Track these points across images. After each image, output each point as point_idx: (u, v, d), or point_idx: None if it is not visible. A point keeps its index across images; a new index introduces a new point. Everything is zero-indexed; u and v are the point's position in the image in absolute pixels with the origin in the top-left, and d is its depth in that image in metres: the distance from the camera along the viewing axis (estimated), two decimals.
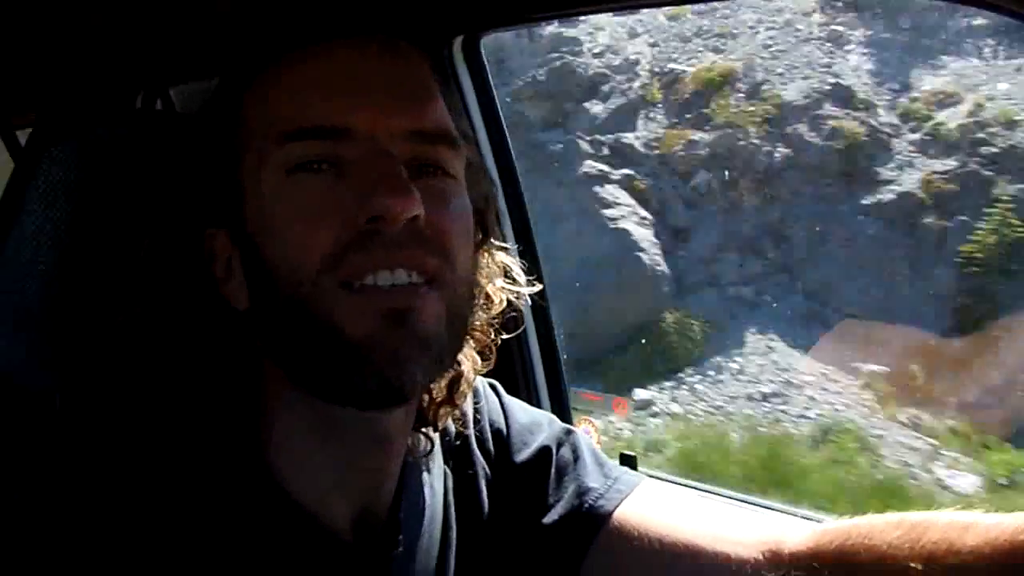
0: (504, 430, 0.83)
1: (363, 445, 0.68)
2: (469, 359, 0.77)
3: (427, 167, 0.66)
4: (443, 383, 0.75)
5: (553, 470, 0.81)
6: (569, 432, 0.85)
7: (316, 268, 0.61)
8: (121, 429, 0.64)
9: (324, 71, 0.65)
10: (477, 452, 0.82)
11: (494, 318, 0.78)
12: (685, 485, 1.43)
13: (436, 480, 0.78)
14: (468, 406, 0.83)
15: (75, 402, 0.70)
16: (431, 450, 0.77)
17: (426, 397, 0.74)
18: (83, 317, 0.69)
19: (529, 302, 0.85)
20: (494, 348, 0.79)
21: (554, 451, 0.82)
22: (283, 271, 0.62)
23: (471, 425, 0.82)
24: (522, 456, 0.82)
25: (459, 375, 0.75)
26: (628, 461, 1.13)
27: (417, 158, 0.65)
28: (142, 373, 0.66)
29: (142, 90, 1.28)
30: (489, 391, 0.87)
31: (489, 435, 0.83)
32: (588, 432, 1.29)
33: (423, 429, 0.76)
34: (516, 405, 0.87)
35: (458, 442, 0.82)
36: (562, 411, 1.26)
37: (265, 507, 0.65)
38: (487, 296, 0.77)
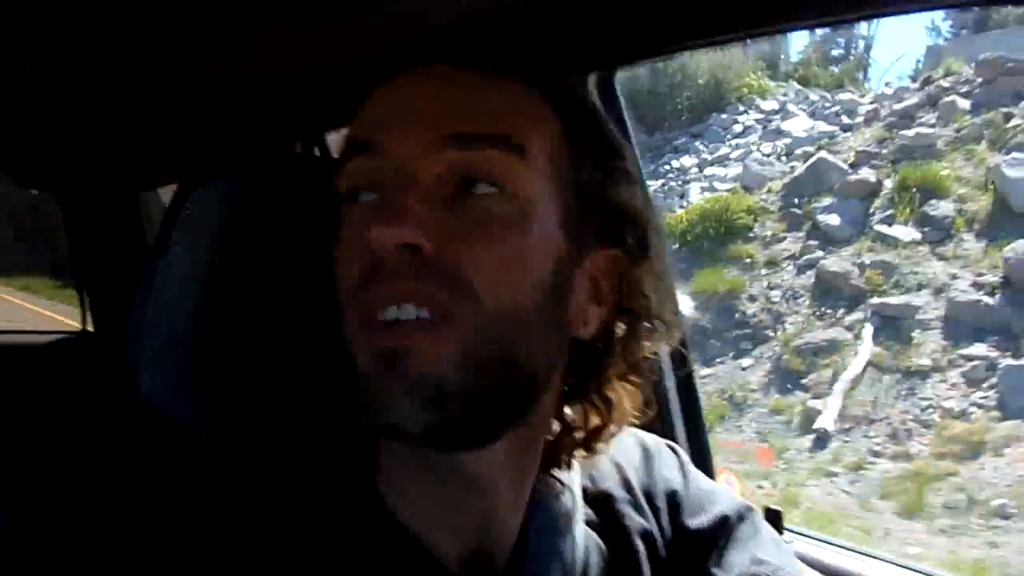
0: (679, 492, 0.76)
1: (454, 484, 0.63)
2: (620, 403, 0.69)
3: (474, 181, 0.58)
4: (580, 424, 0.68)
5: (730, 540, 0.74)
6: (749, 507, 0.78)
7: (345, 303, 0.59)
8: (260, 462, 0.65)
9: (385, 95, 0.61)
10: (641, 509, 0.74)
11: (642, 359, 0.69)
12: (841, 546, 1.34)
13: (577, 530, 0.71)
14: (627, 458, 0.76)
15: (220, 436, 0.72)
16: (560, 495, 0.71)
17: (549, 437, 0.69)
18: (228, 352, 0.71)
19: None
20: (644, 397, 0.71)
21: (734, 522, 0.75)
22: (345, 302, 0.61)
23: (631, 479, 0.75)
24: (697, 522, 0.74)
25: (603, 422, 0.68)
26: (773, 516, 1.06)
27: (458, 169, 0.58)
28: (280, 405, 0.67)
29: (299, 137, 1.34)
30: (666, 450, 0.81)
31: (661, 494, 0.75)
32: (731, 483, 1.23)
33: (553, 471, 0.70)
34: (697, 472, 0.80)
35: (614, 495, 0.74)
36: (703, 459, 1.20)
37: (377, 535, 0.62)
38: (630, 330, 0.68)
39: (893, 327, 6.78)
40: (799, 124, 11.31)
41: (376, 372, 0.56)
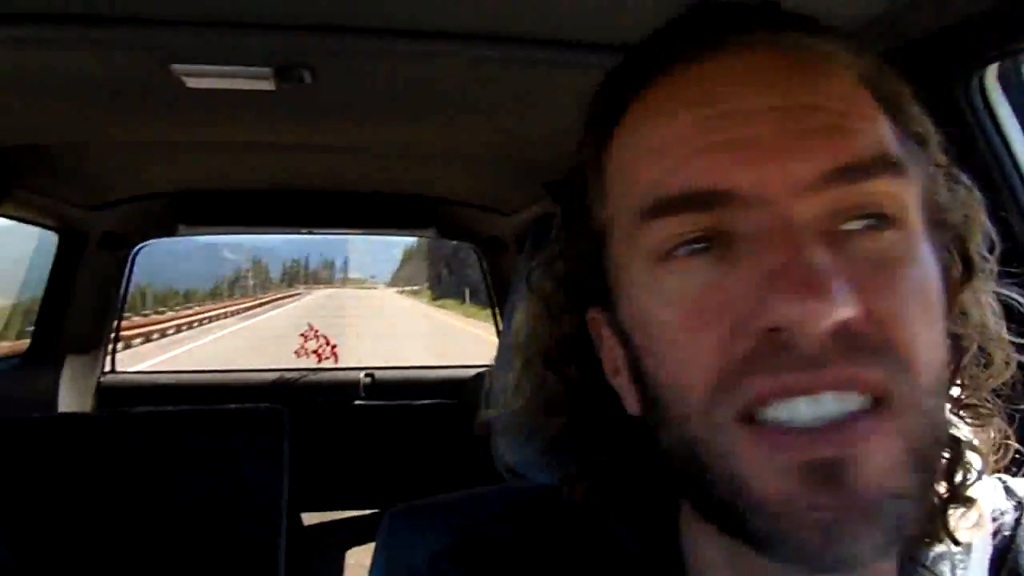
0: None
1: None
2: (986, 440, 0.54)
3: (858, 218, 0.44)
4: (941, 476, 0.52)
5: None
6: None
7: (704, 397, 0.43)
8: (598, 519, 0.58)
9: (684, 110, 0.45)
10: None
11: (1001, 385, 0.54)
12: None
13: None
14: (997, 508, 0.56)
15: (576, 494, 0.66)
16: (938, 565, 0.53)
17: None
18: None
19: None
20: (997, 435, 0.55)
21: None
22: (667, 395, 0.46)
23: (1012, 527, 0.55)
24: None
25: (958, 457, 0.52)
26: None
27: (842, 209, 0.43)
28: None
29: None
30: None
31: None
32: None
33: (928, 540, 0.53)
34: None
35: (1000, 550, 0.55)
36: None
37: None
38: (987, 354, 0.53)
39: None
40: None
41: (805, 494, 0.41)
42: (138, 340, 17.85)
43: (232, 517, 1.67)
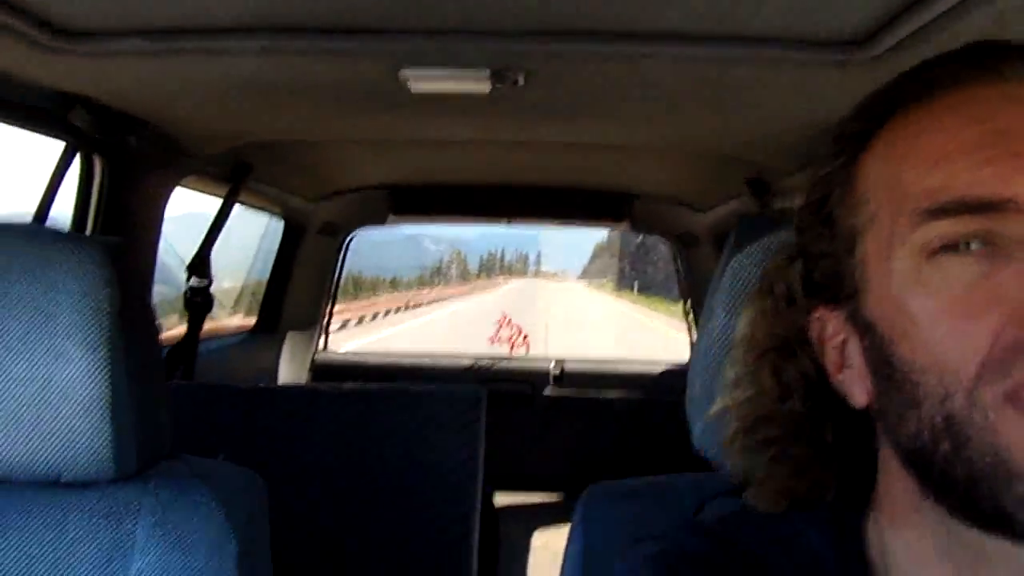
0: None
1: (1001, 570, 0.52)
2: None
3: None
4: None
5: None
6: None
7: (972, 376, 0.47)
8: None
9: (965, 126, 0.51)
10: None
11: None
12: None
13: None
14: None
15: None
16: None
17: None
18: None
19: None
20: None
21: None
22: (925, 375, 0.50)
23: None
24: None
25: None
26: None
27: None
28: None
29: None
30: None
31: None
32: None
33: None
34: None
35: None
36: None
37: None
38: None
39: None
40: None
41: None
42: (352, 321, 19.33)
43: (431, 489, 1.77)
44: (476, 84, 1.33)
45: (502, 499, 3.23)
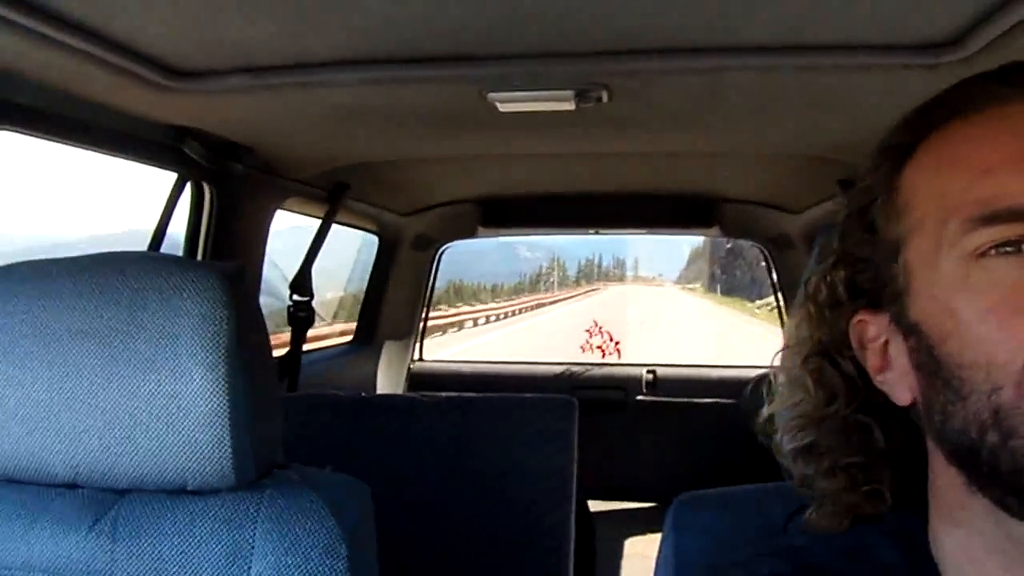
0: None
1: None
2: None
3: None
4: None
5: None
6: None
7: (1020, 369, 0.50)
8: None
9: (1010, 139, 0.54)
10: None
11: None
12: None
13: None
14: None
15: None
16: None
17: None
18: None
19: None
20: None
21: None
22: (972, 371, 0.52)
23: None
24: None
25: None
26: None
27: None
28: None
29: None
30: None
31: None
32: None
33: None
34: None
35: None
36: None
37: None
38: None
39: None
40: None
41: None
42: (458, 326, 20.45)
43: (526, 497, 1.81)
44: (561, 103, 1.37)
45: (596, 506, 3.25)
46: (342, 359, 3.06)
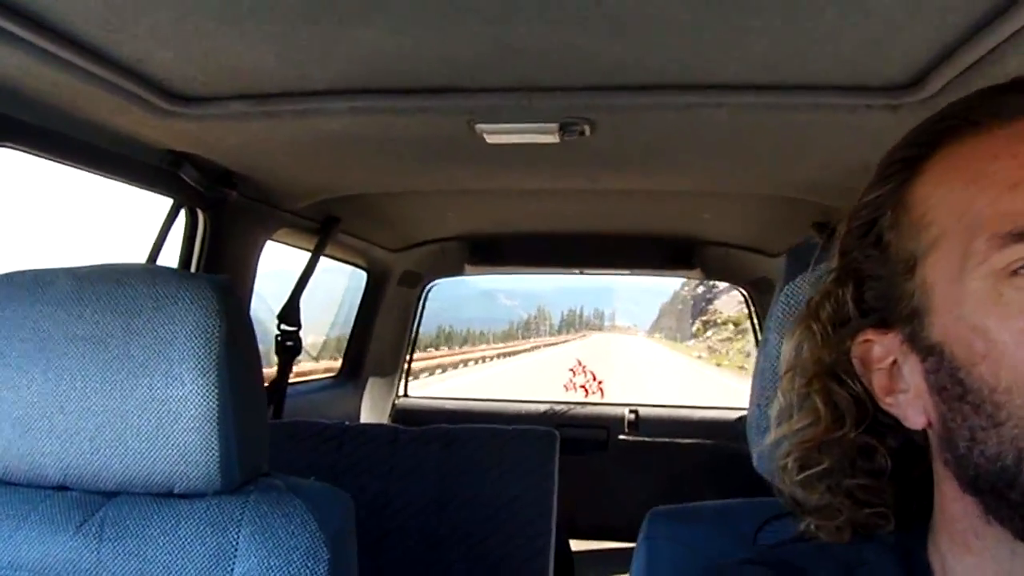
0: None
1: None
2: None
3: None
4: None
5: None
6: None
7: None
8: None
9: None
10: None
11: None
12: None
13: None
14: None
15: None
16: None
17: None
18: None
19: None
20: None
21: None
22: (1010, 396, 0.50)
23: None
24: None
25: None
26: None
27: None
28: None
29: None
30: None
31: None
32: None
33: None
34: None
35: None
36: None
37: None
38: None
39: None
40: None
41: None
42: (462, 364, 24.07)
43: (506, 525, 1.83)
44: (546, 136, 1.42)
45: (578, 545, 3.24)
46: (327, 392, 3.07)
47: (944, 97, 1.15)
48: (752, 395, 0.80)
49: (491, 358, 29.57)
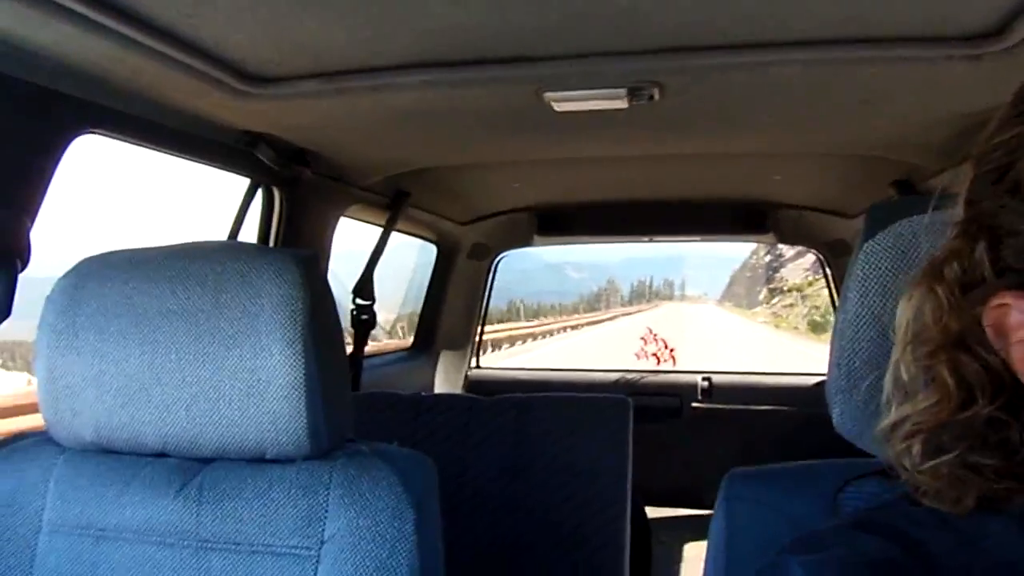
0: None
1: None
2: None
3: None
4: None
5: None
6: None
7: None
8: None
9: None
10: None
11: None
12: None
13: None
14: None
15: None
16: None
17: None
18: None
19: None
20: None
21: None
22: None
23: None
24: None
25: None
26: None
27: None
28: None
29: None
30: None
31: None
32: None
33: None
34: None
35: None
36: None
37: None
38: None
39: None
40: None
41: None
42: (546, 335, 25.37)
43: (582, 493, 1.85)
44: (614, 102, 1.42)
45: (653, 512, 3.26)
46: (401, 365, 3.13)
47: None
48: (832, 356, 0.79)
49: (570, 328, 30.50)
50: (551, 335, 27.08)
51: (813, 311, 27.08)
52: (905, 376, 0.56)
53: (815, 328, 25.32)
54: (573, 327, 31.52)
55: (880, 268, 0.75)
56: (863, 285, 0.76)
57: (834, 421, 0.80)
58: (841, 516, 0.80)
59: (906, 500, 0.58)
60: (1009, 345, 0.51)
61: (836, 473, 0.85)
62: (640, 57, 1.26)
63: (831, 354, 0.80)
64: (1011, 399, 0.52)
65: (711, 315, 40.24)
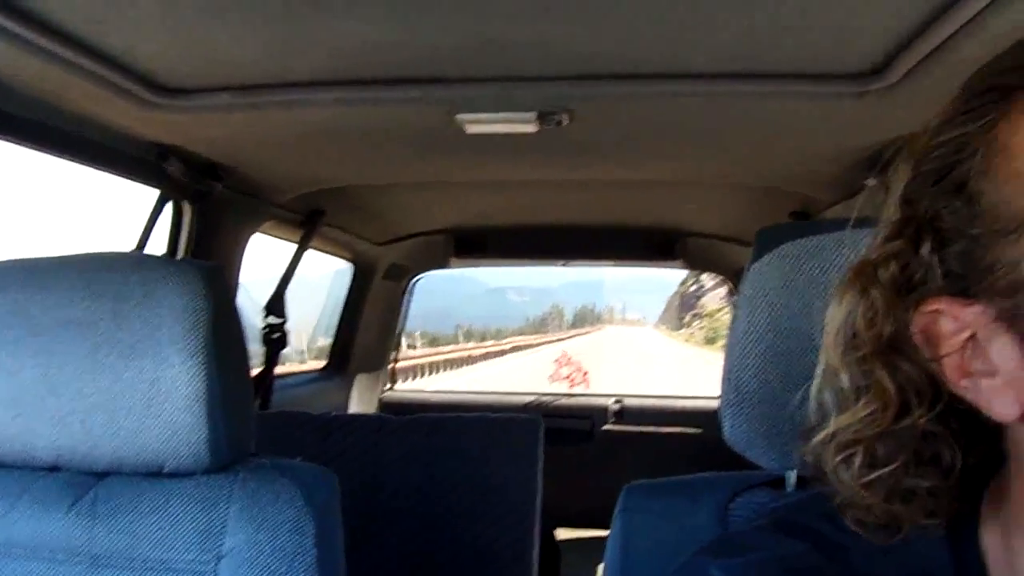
0: None
1: None
2: None
3: None
4: None
5: None
6: None
7: None
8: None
9: None
10: None
11: None
12: None
13: None
14: None
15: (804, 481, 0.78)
16: None
17: None
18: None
19: None
20: None
21: None
22: None
23: None
24: None
25: None
26: None
27: None
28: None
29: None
30: None
31: None
32: None
33: None
34: None
35: None
36: None
37: None
38: None
39: None
40: None
41: None
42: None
43: (491, 511, 1.86)
44: (524, 125, 1.45)
45: (564, 534, 3.28)
46: (314, 385, 3.09)
47: (907, 84, 1.19)
48: (723, 372, 0.83)
49: (519, 349, 32.29)
50: (502, 355, 28.22)
51: (711, 331, 35.56)
52: (845, 383, 0.53)
53: (709, 341, 34.25)
54: (520, 348, 32.93)
55: (766, 287, 0.78)
56: (751, 303, 0.79)
57: (724, 434, 0.82)
58: (731, 526, 0.83)
59: (821, 508, 0.56)
60: (939, 355, 0.49)
61: (729, 485, 0.88)
62: (551, 83, 1.30)
63: (723, 370, 0.83)
64: (948, 407, 0.50)
65: (645, 336, 45.97)
